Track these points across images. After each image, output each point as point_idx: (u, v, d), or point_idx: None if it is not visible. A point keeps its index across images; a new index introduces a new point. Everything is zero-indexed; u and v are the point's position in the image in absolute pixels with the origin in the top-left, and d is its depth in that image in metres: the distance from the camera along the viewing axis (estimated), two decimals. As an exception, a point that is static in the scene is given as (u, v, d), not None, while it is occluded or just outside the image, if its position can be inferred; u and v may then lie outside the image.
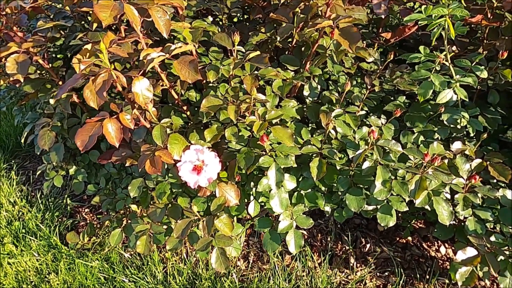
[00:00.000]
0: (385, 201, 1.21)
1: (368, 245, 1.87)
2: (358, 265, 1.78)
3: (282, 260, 1.74)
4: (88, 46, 0.94)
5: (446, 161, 1.17)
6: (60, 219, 1.83)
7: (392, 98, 1.47)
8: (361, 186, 1.21)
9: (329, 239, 1.87)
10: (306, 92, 1.36)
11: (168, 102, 1.33)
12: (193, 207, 1.21)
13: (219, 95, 1.23)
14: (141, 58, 0.99)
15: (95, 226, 1.68)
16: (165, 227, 1.40)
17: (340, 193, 1.34)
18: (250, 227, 1.88)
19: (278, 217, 1.27)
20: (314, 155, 1.19)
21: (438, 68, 1.18)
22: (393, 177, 1.15)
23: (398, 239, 1.88)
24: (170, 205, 1.39)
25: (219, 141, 1.30)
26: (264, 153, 1.17)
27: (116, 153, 1.30)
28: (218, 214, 1.25)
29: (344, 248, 1.85)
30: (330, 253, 1.80)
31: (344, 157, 1.26)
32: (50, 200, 1.93)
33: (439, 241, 1.88)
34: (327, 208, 1.42)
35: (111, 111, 1.10)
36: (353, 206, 1.18)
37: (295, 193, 1.29)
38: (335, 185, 1.22)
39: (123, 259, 1.63)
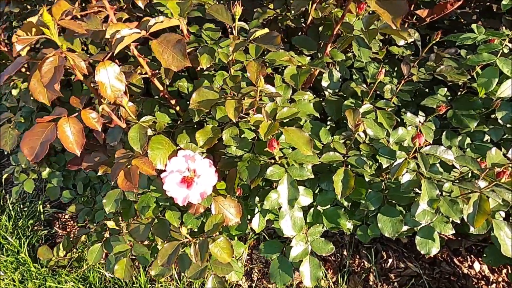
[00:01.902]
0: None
1: (390, 260, 1.60)
2: (379, 283, 1.52)
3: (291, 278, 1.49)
4: (33, 19, 0.67)
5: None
6: (34, 229, 1.57)
7: (427, 91, 1.19)
8: (396, 203, 0.95)
9: (345, 253, 1.61)
10: (325, 83, 1.08)
11: (153, 94, 1.06)
12: (181, 229, 0.94)
13: (215, 86, 0.96)
14: (107, 36, 0.72)
15: (72, 238, 1.42)
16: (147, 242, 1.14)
17: (367, 210, 1.07)
18: (256, 237, 1.61)
19: (289, 240, 1.00)
20: (336, 164, 0.91)
21: (506, 51, 0.89)
22: (439, 193, 0.88)
23: (424, 253, 1.61)
24: (156, 220, 1.13)
25: (216, 144, 1.03)
26: (273, 161, 0.90)
27: (87, 158, 1.03)
28: (214, 236, 0.98)
29: (362, 264, 1.59)
30: (346, 269, 1.54)
31: (373, 165, 0.99)
32: (25, 205, 1.68)
33: (472, 256, 1.62)
34: (349, 225, 1.15)
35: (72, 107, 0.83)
36: (388, 230, 0.91)
37: (311, 210, 1.03)
38: (362, 202, 0.95)
39: (104, 279, 1.37)
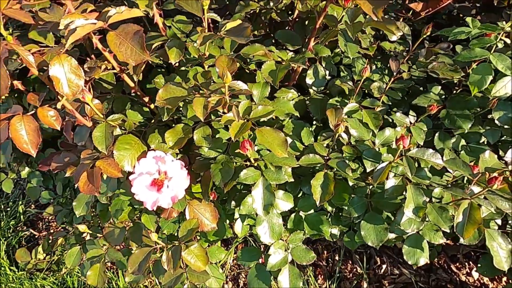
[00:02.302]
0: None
1: (384, 266, 1.53)
2: (372, 291, 1.45)
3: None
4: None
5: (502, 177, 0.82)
6: (16, 230, 1.53)
7: (421, 89, 1.12)
8: (382, 209, 0.88)
9: (336, 258, 1.54)
10: (309, 80, 1.01)
11: (125, 92, 1.00)
12: (151, 235, 0.88)
13: (190, 83, 0.89)
14: (61, 27, 0.66)
15: (50, 241, 1.37)
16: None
17: (351, 217, 1.01)
18: (243, 241, 1.55)
19: (267, 248, 0.94)
20: (318, 167, 0.85)
21: (500, 46, 0.82)
22: (427, 199, 0.81)
23: (420, 259, 1.54)
24: (132, 224, 1.07)
25: (192, 145, 0.97)
26: (248, 163, 0.84)
27: (57, 158, 0.97)
28: (187, 243, 0.92)
29: (355, 269, 1.52)
30: (338, 275, 1.47)
31: (359, 168, 0.92)
32: (9, 205, 1.63)
33: (470, 263, 1.54)
34: (334, 231, 1.08)
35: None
36: (371, 239, 0.85)
37: (292, 215, 0.96)
38: (345, 208, 0.88)
39: (84, 283, 1.32)
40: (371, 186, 0.90)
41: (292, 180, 0.89)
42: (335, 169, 0.83)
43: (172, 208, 0.93)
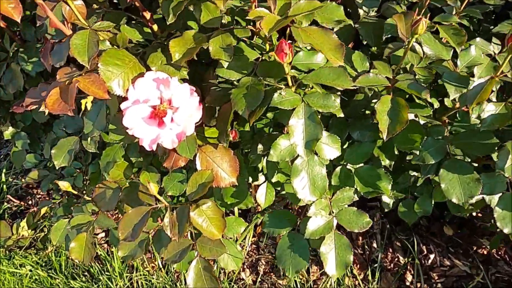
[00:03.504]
0: (508, 185, 0.63)
1: (431, 256, 1.27)
2: (419, 284, 1.19)
3: (306, 273, 1.18)
4: None
5: None
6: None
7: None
8: (469, 154, 0.63)
9: (375, 245, 1.29)
10: (359, -2, 0.77)
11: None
12: (150, 186, 0.65)
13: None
14: None
15: (37, 219, 1.14)
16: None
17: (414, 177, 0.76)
18: (262, 223, 1.31)
19: (305, 210, 0.70)
20: (383, 91, 0.61)
21: None
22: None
23: (475, 248, 1.28)
24: (128, 184, 0.84)
25: (205, 73, 0.73)
26: (282, 86, 0.60)
27: (31, 93, 0.75)
28: (198, 201, 0.69)
29: (396, 259, 1.26)
30: (377, 265, 1.22)
31: (426, 108, 0.68)
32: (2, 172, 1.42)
33: (537, 254, 1.27)
34: (387, 199, 0.84)
35: None
36: (455, 194, 0.60)
37: (338, 169, 0.72)
38: (416, 153, 0.63)
39: (73, 264, 1.09)
40: (451, 126, 0.65)
41: (342, 115, 0.65)
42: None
43: (177, 154, 0.69)
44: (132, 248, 0.80)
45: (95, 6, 0.74)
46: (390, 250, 1.28)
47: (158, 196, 0.68)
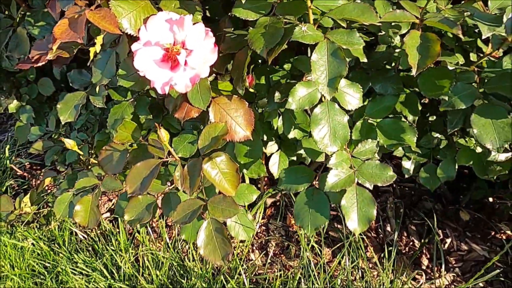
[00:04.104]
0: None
1: (448, 240, 1.22)
2: (435, 268, 1.14)
3: (318, 255, 1.13)
4: None
5: None
6: (2, 180, 1.27)
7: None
8: (502, 98, 0.59)
9: (388, 229, 1.24)
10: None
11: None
12: (161, 132, 0.61)
13: None
14: None
15: (41, 190, 1.10)
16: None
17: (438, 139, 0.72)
18: (272, 205, 1.27)
19: (323, 167, 0.66)
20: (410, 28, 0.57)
21: None
22: None
23: (493, 233, 1.23)
24: (135, 145, 0.80)
25: (221, 22, 0.70)
26: (303, 23, 0.57)
27: (38, 45, 0.71)
28: (211, 155, 0.65)
29: (411, 243, 1.21)
30: (391, 249, 1.17)
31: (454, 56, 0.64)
32: (1, 151, 1.38)
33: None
34: (407, 164, 0.80)
35: None
36: (489, 138, 0.55)
37: (359, 122, 0.68)
38: (445, 98, 0.59)
39: (76, 239, 1.05)
40: (481, 71, 0.61)
41: (365, 60, 0.61)
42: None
43: (190, 105, 0.65)
44: (139, 212, 0.76)
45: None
46: (405, 234, 1.23)
47: (168, 146, 0.64)
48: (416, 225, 1.25)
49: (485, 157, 0.67)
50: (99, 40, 0.60)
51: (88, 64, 0.67)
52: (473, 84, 0.59)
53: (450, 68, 0.61)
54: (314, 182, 0.67)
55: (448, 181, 1.17)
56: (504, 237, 1.21)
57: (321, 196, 0.63)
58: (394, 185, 1.36)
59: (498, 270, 0.98)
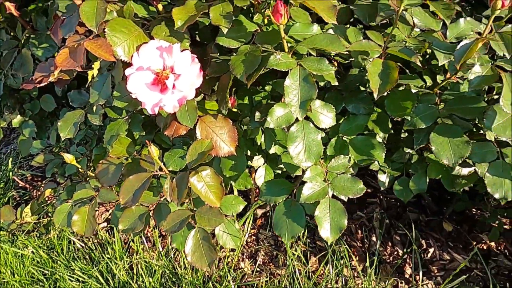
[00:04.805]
0: (498, 154, 0.64)
1: (431, 250, 1.27)
2: (417, 277, 1.19)
3: (305, 264, 1.18)
4: None
5: None
6: (4, 190, 1.33)
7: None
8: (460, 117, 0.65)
9: (373, 239, 1.29)
10: (354, -20, 0.81)
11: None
12: (151, 148, 0.67)
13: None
14: None
15: (42, 200, 1.16)
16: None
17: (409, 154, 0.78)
18: (262, 215, 1.32)
19: (300, 179, 0.72)
20: (375, 56, 0.63)
21: None
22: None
23: (475, 243, 1.28)
24: (130, 159, 0.86)
25: (207, 47, 0.77)
26: (279, 52, 0.63)
27: (41, 67, 0.78)
28: (198, 169, 0.71)
29: (395, 252, 1.26)
30: (376, 258, 1.22)
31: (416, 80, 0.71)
32: (3, 163, 1.45)
33: (537, 250, 1.27)
34: (383, 178, 0.85)
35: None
36: (446, 155, 0.61)
37: (333, 139, 0.74)
38: (408, 118, 0.65)
39: (74, 247, 1.11)
40: (442, 94, 0.67)
41: (336, 83, 0.68)
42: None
43: (178, 123, 0.72)
44: (132, 221, 0.82)
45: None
46: (390, 244, 1.28)
47: (158, 161, 0.70)
48: (401, 235, 1.30)
49: (450, 171, 0.72)
50: (96, 65, 0.67)
51: (86, 85, 0.73)
52: (434, 105, 0.65)
53: (414, 90, 0.67)
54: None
55: (433, 193, 1.23)
56: (484, 247, 1.27)
57: (298, 207, 0.69)
58: (381, 197, 1.41)
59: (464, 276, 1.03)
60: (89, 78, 0.72)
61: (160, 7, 0.79)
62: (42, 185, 1.38)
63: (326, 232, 0.65)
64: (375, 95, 0.57)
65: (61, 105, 1.19)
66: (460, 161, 0.60)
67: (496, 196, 0.64)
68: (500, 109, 0.56)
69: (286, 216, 0.69)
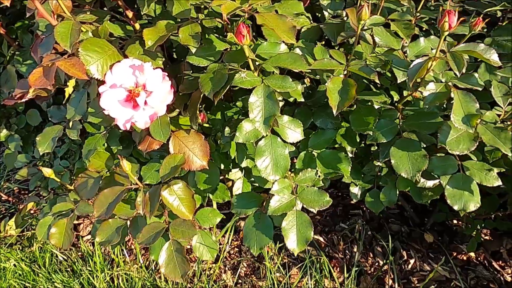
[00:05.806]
0: (459, 167, 0.67)
1: (411, 261, 1.29)
2: (398, 287, 1.20)
3: (286, 275, 1.19)
4: None
5: None
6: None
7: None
8: (417, 132, 0.67)
9: (355, 250, 1.31)
10: (325, 1, 0.84)
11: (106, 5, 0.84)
12: (123, 163, 0.70)
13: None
14: None
15: (24, 213, 1.18)
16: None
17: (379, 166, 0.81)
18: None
19: (270, 193, 0.74)
20: (340, 74, 0.66)
21: None
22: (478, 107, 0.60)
23: (455, 254, 1.30)
24: (109, 174, 0.88)
25: (181, 64, 0.80)
26: (245, 70, 0.66)
27: (21, 83, 0.81)
28: (170, 182, 0.73)
29: (376, 264, 1.28)
30: (356, 269, 1.24)
31: (382, 95, 0.74)
32: None
33: (516, 260, 1.29)
34: (355, 190, 0.88)
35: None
36: (404, 169, 0.64)
37: (302, 153, 0.77)
38: (370, 133, 0.68)
39: (57, 260, 1.12)
40: (402, 109, 0.70)
41: (302, 99, 0.71)
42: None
43: (152, 138, 0.74)
44: (109, 234, 0.84)
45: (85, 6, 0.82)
46: (371, 255, 1.30)
47: (131, 175, 0.72)
48: (382, 246, 1.32)
49: (416, 183, 0.75)
50: (71, 83, 0.70)
51: (63, 102, 0.76)
52: (396, 120, 0.68)
53: (376, 106, 0.70)
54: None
55: (415, 204, 1.24)
56: (464, 258, 1.28)
57: (267, 219, 0.71)
58: (364, 208, 1.43)
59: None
60: (66, 95, 0.74)
61: (137, 26, 0.82)
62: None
63: (292, 243, 0.67)
64: (334, 111, 0.60)
65: (48, 119, 1.22)
66: (419, 174, 0.63)
67: (456, 207, 0.67)
68: (453, 124, 0.59)
69: (255, 228, 0.71)
